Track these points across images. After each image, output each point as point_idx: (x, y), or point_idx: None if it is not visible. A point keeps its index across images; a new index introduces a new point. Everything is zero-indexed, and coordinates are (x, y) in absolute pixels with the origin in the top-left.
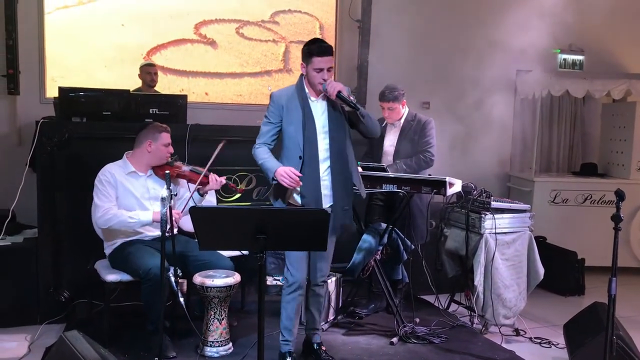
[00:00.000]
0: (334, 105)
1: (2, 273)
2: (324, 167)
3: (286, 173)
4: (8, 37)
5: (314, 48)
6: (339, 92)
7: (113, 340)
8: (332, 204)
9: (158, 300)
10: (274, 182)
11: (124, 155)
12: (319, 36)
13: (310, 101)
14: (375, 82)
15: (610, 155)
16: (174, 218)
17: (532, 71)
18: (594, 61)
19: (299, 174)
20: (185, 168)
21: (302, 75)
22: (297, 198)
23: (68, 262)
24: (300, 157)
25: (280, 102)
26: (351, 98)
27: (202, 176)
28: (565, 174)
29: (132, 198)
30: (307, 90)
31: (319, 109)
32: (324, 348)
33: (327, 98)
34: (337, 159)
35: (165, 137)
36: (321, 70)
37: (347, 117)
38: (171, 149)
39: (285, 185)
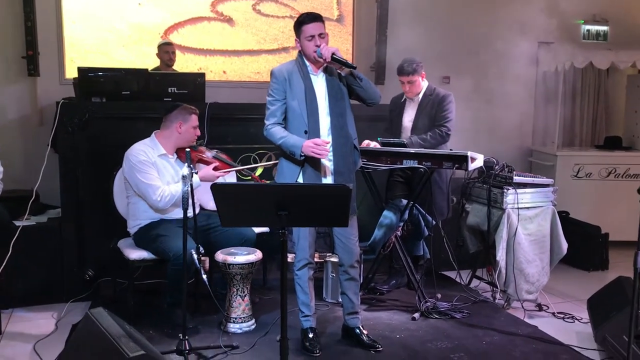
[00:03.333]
0: (334, 78)
1: (28, 253)
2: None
3: (314, 144)
4: (26, 18)
5: (302, 17)
6: (333, 54)
7: (138, 317)
8: (334, 181)
9: (184, 280)
10: (302, 158)
11: (153, 134)
12: (336, 12)
13: (311, 75)
14: (394, 58)
15: (636, 128)
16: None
17: (555, 43)
18: (619, 31)
19: (327, 141)
20: (209, 154)
21: (299, 52)
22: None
23: (91, 241)
24: (305, 132)
25: (282, 75)
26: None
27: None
28: (589, 148)
29: (165, 180)
30: (308, 64)
31: (320, 84)
32: (365, 332)
33: (326, 72)
34: (339, 134)
35: (194, 119)
36: (312, 37)
37: (345, 85)
38: (198, 132)
39: (316, 156)
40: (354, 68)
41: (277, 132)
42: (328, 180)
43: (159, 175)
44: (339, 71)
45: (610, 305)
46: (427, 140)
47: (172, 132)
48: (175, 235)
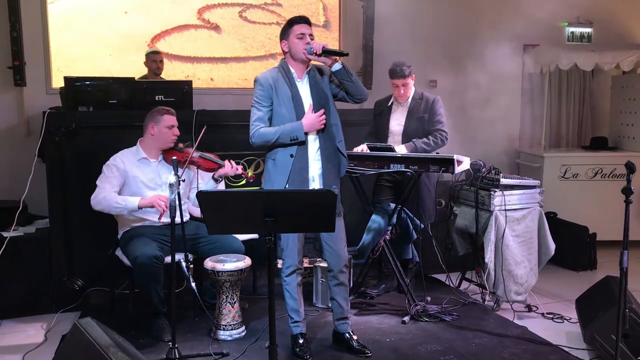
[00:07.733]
0: (318, 83)
1: (16, 263)
2: (314, 148)
3: (317, 115)
4: (12, 28)
5: (293, 18)
6: (324, 47)
7: (130, 325)
8: (322, 185)
9: (151, 286)
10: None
11: (137, 141)
12: (322, 18)
13: (296, 82)
14: (381, 62)
15: (621, 129)
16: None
17: (540, 45)
18: (603, 33)
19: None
20: (195, 154)
21: (283, 59)
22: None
23: (80, 251)
24: (294, 139)
25: (268, 82)
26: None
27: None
28: (575, 149)
29: (140, 184)
30: (292, 70)
31: (305, 89)
32: (355, 337)
33: (309, 76)
34: (325, 137)
35: (168, 119)
36: (303, 35)
37: (328, 88)
38: (176, 132)
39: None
40: (347, 55)
41: (268, 129)
42: (315, 183)
43: (133, 180)
44: (328, 67)
45: (598, 304)
46: (430, 145)
47: (147, 136)
48: (139, 242)
